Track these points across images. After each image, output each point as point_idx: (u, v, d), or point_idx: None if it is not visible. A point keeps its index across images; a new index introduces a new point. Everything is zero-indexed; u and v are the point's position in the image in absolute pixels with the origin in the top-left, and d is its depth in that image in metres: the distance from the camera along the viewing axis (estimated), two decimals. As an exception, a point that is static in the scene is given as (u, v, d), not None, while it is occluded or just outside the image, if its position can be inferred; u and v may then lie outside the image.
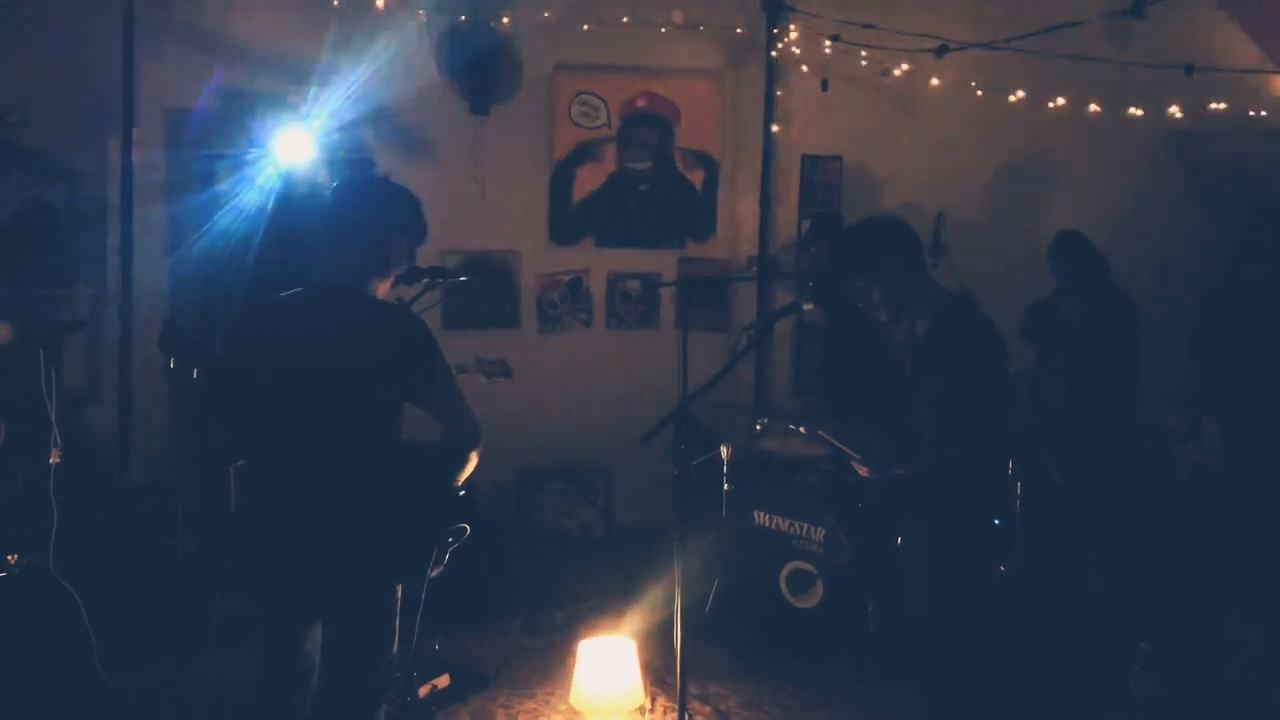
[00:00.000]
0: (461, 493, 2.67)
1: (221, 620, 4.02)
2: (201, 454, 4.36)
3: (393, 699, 3.62)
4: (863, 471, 3.13)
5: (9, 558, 3.49)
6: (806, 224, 5.75)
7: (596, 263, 5.87)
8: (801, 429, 4.35)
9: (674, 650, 3.33)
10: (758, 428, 4.69)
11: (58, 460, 3.53)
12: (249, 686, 2.73)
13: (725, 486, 4.51)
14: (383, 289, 2.70)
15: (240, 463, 2.69)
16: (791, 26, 5.71)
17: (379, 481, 2.54)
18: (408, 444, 2.64)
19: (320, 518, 2.51)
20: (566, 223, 5.82)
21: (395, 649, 2.70)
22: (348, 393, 2.52)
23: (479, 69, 5.46)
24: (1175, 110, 5.57)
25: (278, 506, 2.56)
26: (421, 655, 3.89)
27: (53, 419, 3.52)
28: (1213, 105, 5.55)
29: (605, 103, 5.79)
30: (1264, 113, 5.54)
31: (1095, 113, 5.66)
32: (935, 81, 5.69)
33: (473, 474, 2.50)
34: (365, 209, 2.67)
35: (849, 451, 3.12)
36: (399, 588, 2.66)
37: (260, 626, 2.70)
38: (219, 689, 3.69)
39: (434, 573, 2.66)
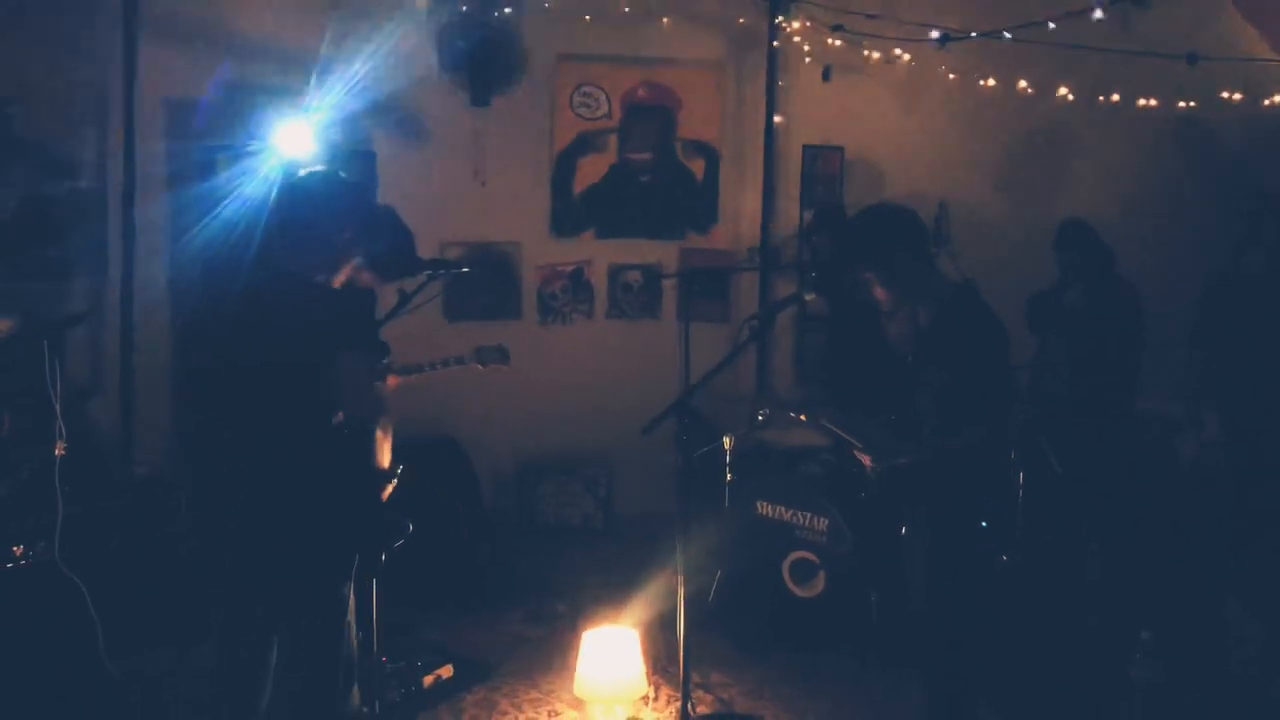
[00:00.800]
0: (397, 474, 2.68)
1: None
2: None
3: (394, 688, 3.64)
4: (865, 461, 3.13)
5: (15, 549, 3.50)
6: (808, 214, 5.74)
7: (598, 254, 5.86)
8: (803, 418, 4.34)
9: (677, 640, 3.35)
10: (760, 418, 4.69)
11: (63, 452, 3.53)
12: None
13: (728, 477, 4.51)
14: (338, 280, 2.72)
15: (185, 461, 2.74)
16: (794, 16, 5.70)
17: (313, 475, 2.58)
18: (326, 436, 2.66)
19: (259, 515, 2.56)
20: (567, 214, 5.81)
21: (352, 636, 2.72)
22: (288, 385, 2.56)
23: (480, 60, 5.44)
24: (1180, 100, 5.56)
25: (227, 503, 2.61)
26: (424, 647, 3.91)
27: (57, 411, 3.53)
28: (1218, 95, 5.52)
29: (606, 93, 5.77)
30: (1268, 102, 5.52)
31: (1099, 102, 5.64)
32: (938, 71, 5.67)
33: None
34: (306, 202, 2.72)
35: (852, 441, 3.12)
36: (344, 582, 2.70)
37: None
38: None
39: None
